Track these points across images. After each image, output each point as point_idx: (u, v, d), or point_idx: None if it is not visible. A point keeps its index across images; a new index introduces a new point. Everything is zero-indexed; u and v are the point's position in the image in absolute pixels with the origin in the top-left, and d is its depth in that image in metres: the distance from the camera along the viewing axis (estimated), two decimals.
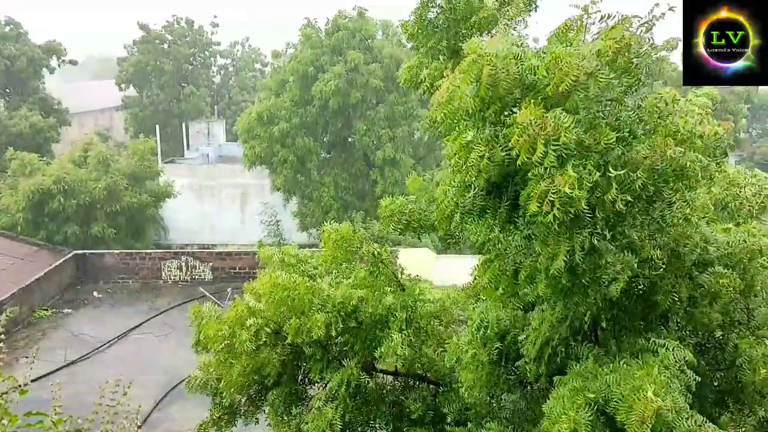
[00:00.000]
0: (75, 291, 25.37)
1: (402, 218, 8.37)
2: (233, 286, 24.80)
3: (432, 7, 7.53)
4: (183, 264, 26.34)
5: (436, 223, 6.20)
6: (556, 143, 4.93)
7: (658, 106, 5.53)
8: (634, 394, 5.14)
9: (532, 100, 5.14)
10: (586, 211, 4.95)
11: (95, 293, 25.27)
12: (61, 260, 25.39)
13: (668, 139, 5.23)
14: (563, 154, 4.96)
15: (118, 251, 27.23)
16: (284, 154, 32.99)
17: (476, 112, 5.38)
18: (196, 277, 26.33)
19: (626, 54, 5.25)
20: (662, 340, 5.83)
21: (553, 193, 4.94)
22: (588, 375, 5.56)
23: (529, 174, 5.09)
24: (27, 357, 19.32)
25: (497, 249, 5.86)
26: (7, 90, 47.25)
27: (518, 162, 5.06)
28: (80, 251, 26.73)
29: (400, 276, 9.00)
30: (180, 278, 26.33)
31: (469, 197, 5.51)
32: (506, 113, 5.39)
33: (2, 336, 3.72)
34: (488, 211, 5.57)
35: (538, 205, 5.01)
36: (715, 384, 6.83)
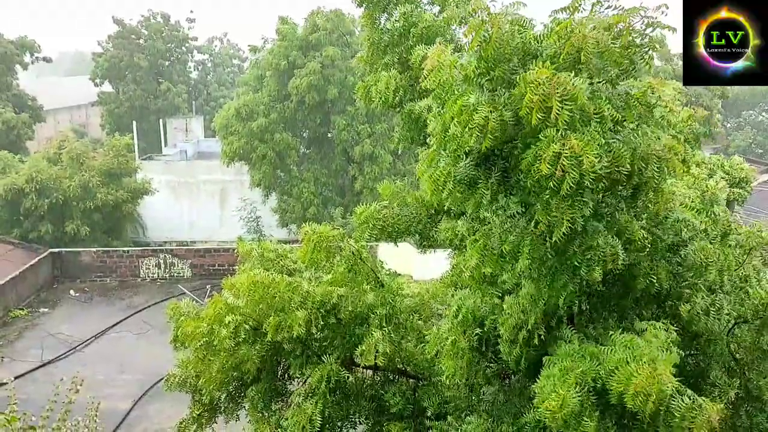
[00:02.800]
0: (51, 290, 25.06)
1: (377, 224, 8.49)
2: (213, 283, 24.67)
3: (380, 31, 8.05)
4: (161, 261, 26.11)
5: (427, 195, 6.17)
6: (569, 103, 4.91)
7: (644, 94, 5.60)
8: (630, 366, 5.18)
9: (541, 63, 5.14)
10: (594, 178, 4.91)
11: (72, 292, 24.97)
12: (37, 259, 25.04)
13: (654, 129, 5.32)
14: (574, 117, 4.94)
15: (95, 249, 26.90)
16: (263, 149, 32.77)
17: (476, 75, 5.37)
18: (175, 274, 26.13)
19: (628, 38, 5.30)
20: (645, 323, 5.94)
21: (565, 158, 4.91)
22: (576, 355, 5.62)
23: (540, 136, 5.05)
24: (3, 357, 19.05)
25: (483, 229, 5.86)
26: None
27: (531, 121, 5.00)
28: (56, 250, 26.38)
29: (379, 272, 9.01)
30: (158, 276, 26.11)
31: (461, 166, 5.50)
32: (509, 77, 5.38)
33: None
34: (479, 181, 5.56)
35: (550, 167, 4.96)
36: (687, 369, 6.98)
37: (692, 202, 7.13)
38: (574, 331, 6.19)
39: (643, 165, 5.30)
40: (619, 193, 5.71)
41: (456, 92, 5.47)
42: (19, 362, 19.09)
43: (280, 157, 33.33)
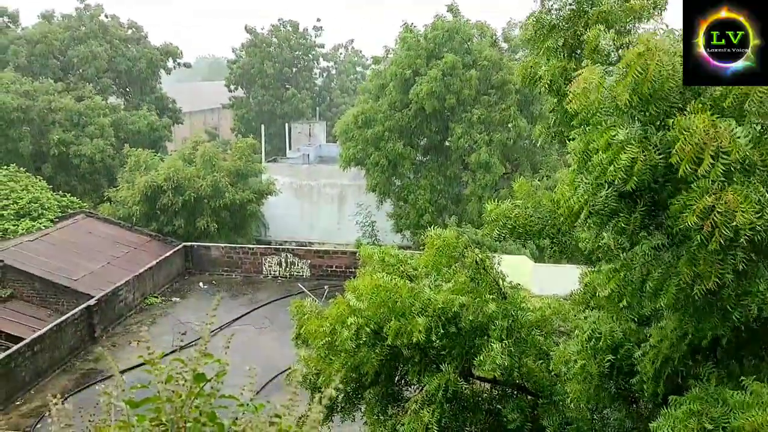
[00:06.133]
0: (183, 281, 26.81)
1: (507, 223, 8.22)
2: (330, 283, 25.38)
3: (549, 12, 7.52)
4: (282, 260, 27.19)
5: (561, 219, 5.97)
6: (725, 157, 4.58)
7: None
8: (752, 410, 4.76)
9: (700, 105, 4.86)
10: (748, 234, 4.56)
11: (201, 284, 26.57)
12: (171, 251, 26.89)
13: None
14: (731, 169, 4.60)
15: (223, 245, 28.47)
16: (376, 157, 33.42)
17: (629, 108, 5.14)
18: (295, 273, 27.10)
19: None
20: None
21: (718, 213, 4.58)
22: (708, 398, 5.23)
23: (693, 185, 4.75)
24: (140, 341, 20.53)
25: (623, 259, 5.60)
26: (128, 89, 50.62)
27: (680, 172, 4.70)
28: (188, 243, 28.18)
29: (501, 284, 8.89)
30: (279, 274, 27.20)
31: (601, 197, 5.28)
32: (665, 114, 5.11)
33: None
34: (620, 214, 5.31)
35: (698, 220, 4.65)
36: None
37: None
38: (713, 367, 5.75)
39: None
40: None
41: (604, 120, 5.22)
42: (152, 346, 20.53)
43: (393, 165, 33.80)
